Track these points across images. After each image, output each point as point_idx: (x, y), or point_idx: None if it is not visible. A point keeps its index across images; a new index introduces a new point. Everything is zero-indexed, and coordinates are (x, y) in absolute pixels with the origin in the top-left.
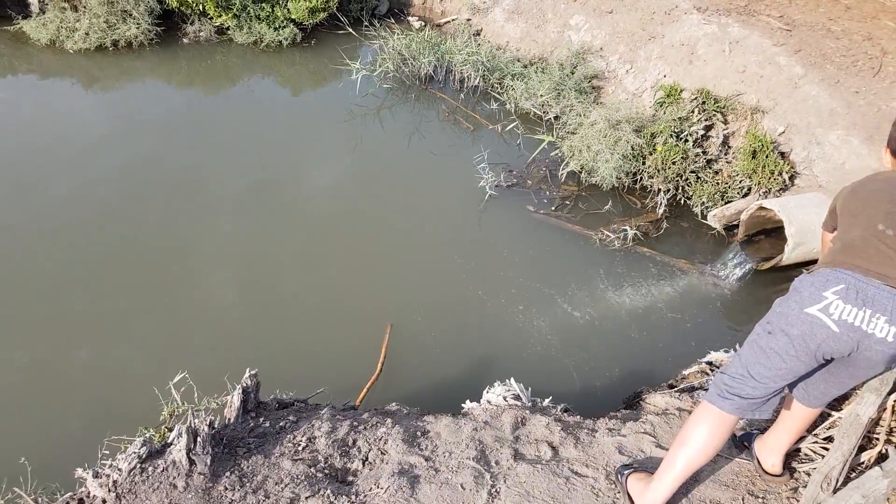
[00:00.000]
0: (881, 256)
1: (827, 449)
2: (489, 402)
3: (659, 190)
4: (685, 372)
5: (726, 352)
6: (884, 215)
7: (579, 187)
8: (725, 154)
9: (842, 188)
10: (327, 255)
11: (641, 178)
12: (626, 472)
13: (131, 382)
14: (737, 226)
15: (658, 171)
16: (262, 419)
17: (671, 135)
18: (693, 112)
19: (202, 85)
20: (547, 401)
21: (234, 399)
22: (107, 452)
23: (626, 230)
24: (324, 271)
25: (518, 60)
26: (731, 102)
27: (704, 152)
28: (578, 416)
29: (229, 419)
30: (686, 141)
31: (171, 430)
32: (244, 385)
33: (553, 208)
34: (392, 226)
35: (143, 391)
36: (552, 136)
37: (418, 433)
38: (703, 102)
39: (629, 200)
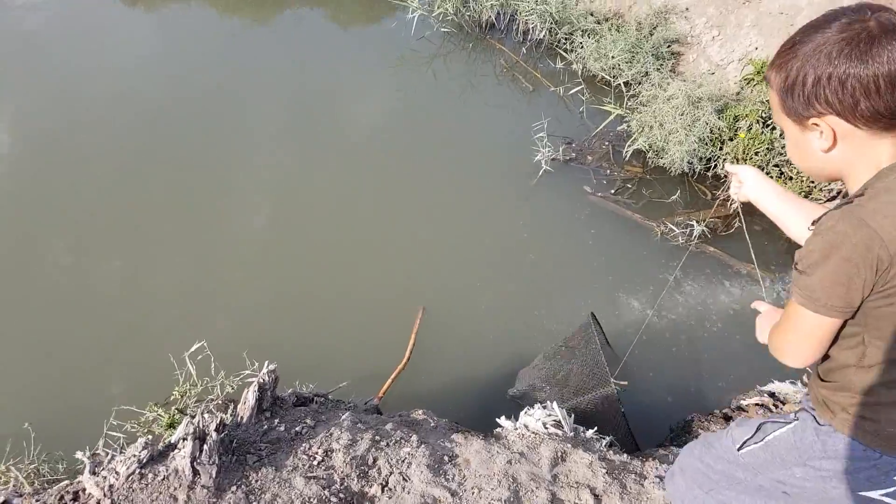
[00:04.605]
0: None
1: None
2: (526, 427)
3: None
4: (743, 402)
5: (792, 384)
6: None
7: (644, 169)
8: None
9: (857, 227)
10: (360, 222)
11: (716, 165)
12: None
13: (149, 338)
14: None
15: (737, 160)
16: (276, 421)
17: (757, 120)
18: None
19: (249, 11)
20: (590, 432)
21: (249, 396)
22: (115, 423)
23: (692, 225)
24: (356, 240)
25: (591, 14)
26: None
27: None
28: (625, 455)
29: (242, 418)
30: (773, 129)
31: (181, 411)
32: (261, 381)
33: (613, 191)
34: (434, 195)
35: (161, 350)
36: (621, 107)
37: (445, 457)
38: None
39: (699, 190)
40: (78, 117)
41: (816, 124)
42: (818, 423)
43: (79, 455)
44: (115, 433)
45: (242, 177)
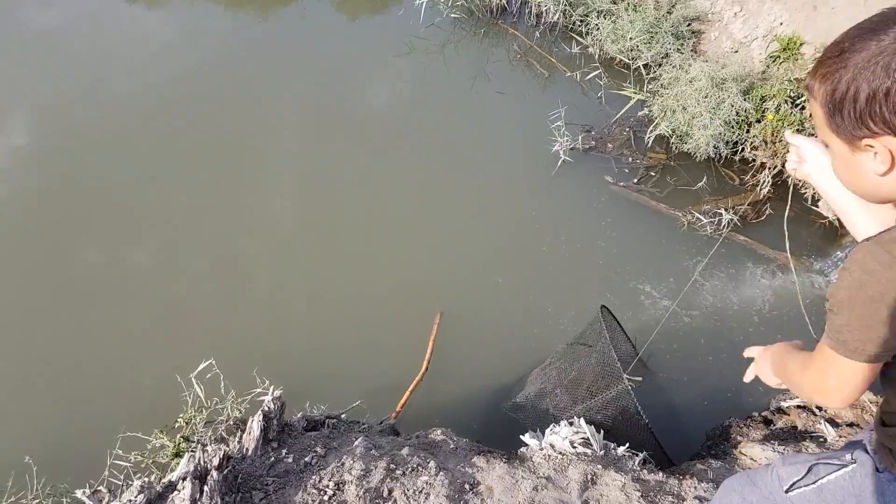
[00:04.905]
0: None
1: None
2: (553, 446)
3: (764, 165)
4: (783, 403)
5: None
6: None
7: (668, 155)
8: None
9: (888, 265)
10: (371, 221)
11: (743, 148)
12: None
13: (156, 348)
14: None
15: (765, 143)
16: (284, 451)
17: (786, 100)
18: None
19: (256, 4)
20: (622, 449)
21: (254, 427)
22: (120, 452)
23: (720, 213)
24: (366, 239)
25: None
26: None
27: None
28: (660, 474)
29: (247, 450)
30: (803, 109)
31: (187, 439)
32: (266, 409)
33: (636, 180)
34: (448, 192)
35: (169, 361)
36: (641, 91)
37: (466, 486)
38: None
39: (725, 175)
40: (99, 110)
41: (870, 145)
42: (878, 470)
43: (79, 495)
44: (120, 462)
45: (253, 174)
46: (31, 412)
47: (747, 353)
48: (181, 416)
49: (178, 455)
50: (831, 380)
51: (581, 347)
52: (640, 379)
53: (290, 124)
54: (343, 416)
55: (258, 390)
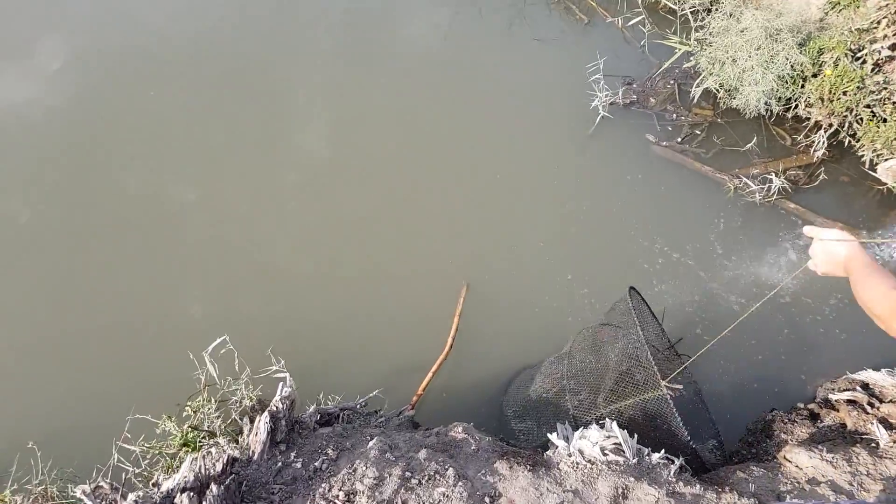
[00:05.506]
0: None
1: None
2: (581, 453)
3: (819, 125)
4: (831, 396)
5: (890, 373)
6: None
7: (714, 111)
8: None
9: None
10: (397, 182)
11: (797, 105)
12: None
13: (172, 319)
14: None
15: (822, 100)
16: (293, 454)
17: (846, 53)
18: (879, 23)
19: None
20: (656, 456)
21: (261, 428)
22: (128, 435)
23: (770, 178)
24: (390, 202)
25: None
26: None
27: (886, 81)
28: (698, 486)
29: (253, 453)
30: (864, 63)
31: (195, 428)
32: (273, 410)
33: (680, 139)
34: (477, 148)
35: (182, 333)
36: (688, 41)
37: (486, 499)
38: None
39: (777, 133)
40: (133, 45)
41: None
42: None
43: (79, 493)
44: (129, 447)
45: (278, 120)
46: (37, 388)
47: (807, 231)
48: (189, 403)
49: (185, 445)
50: None
51: (606, 335)
52: (680, 387)
53: (318, 73)
54: (360, 405)
55: (273, 368)
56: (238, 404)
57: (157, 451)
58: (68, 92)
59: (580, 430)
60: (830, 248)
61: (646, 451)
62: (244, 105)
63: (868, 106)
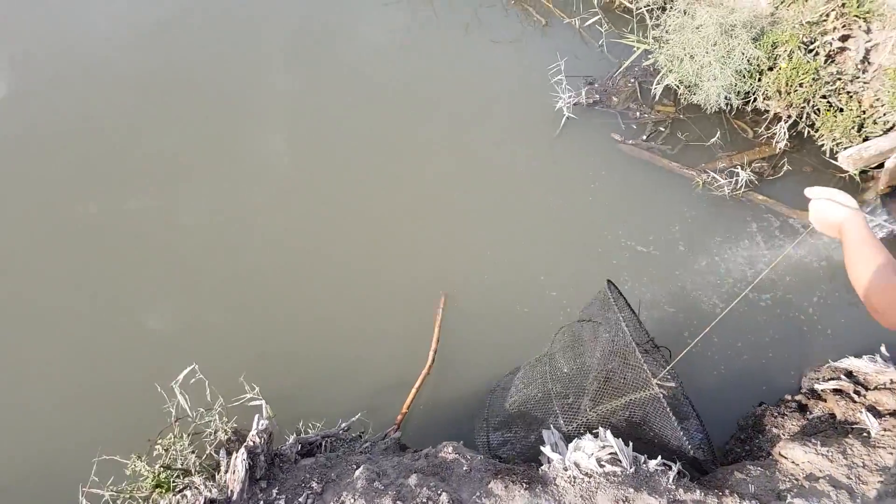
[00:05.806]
0: None
1: None
2: (577, 466)
3: (778, 117)
4: (818, 385)
5: (872, 360)
6: None
7: (677, 108)
8: (864, 74)
9: None
10: (359, 198)
11: (756, 99)
12: None
13: (133, 355)
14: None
15: (779, 93)
16: (275, 491)
17: (799, 46)
18: (828, 16)
19: None
20: (654, 463)
21: (238, 466)
22: (96, 479)
23: (737, 172)
24: (356, 214)
25: None
26: (879, 5)
27: (839, 72)
28: (698, 492)
29: (232, 493)
30: (817, 55)
31: (167, 468)
32: (250, 445)
33: (645, 136)
34: (443, 155)
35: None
36: (645, 40)
37: None
38: (843, 4)
39: (738, 127)
40: (84, 54)
41: None
42: None
43: None
44: (97, 491)
45: (240, 130)
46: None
47: (808, 192)
48: (160, 441)
49: (158, 486)
50: None
51: (587, 332)
52: (673, 384)
53: (276, 80)
54: (342, 430)
55: (248, 396)
56: (213, 436)
57: (127, 496)
58: (9, 100)
59: (574, 441)
60: (825, 208)
61: (642, 458)
62: (204, 113)
63: (824, 96)
